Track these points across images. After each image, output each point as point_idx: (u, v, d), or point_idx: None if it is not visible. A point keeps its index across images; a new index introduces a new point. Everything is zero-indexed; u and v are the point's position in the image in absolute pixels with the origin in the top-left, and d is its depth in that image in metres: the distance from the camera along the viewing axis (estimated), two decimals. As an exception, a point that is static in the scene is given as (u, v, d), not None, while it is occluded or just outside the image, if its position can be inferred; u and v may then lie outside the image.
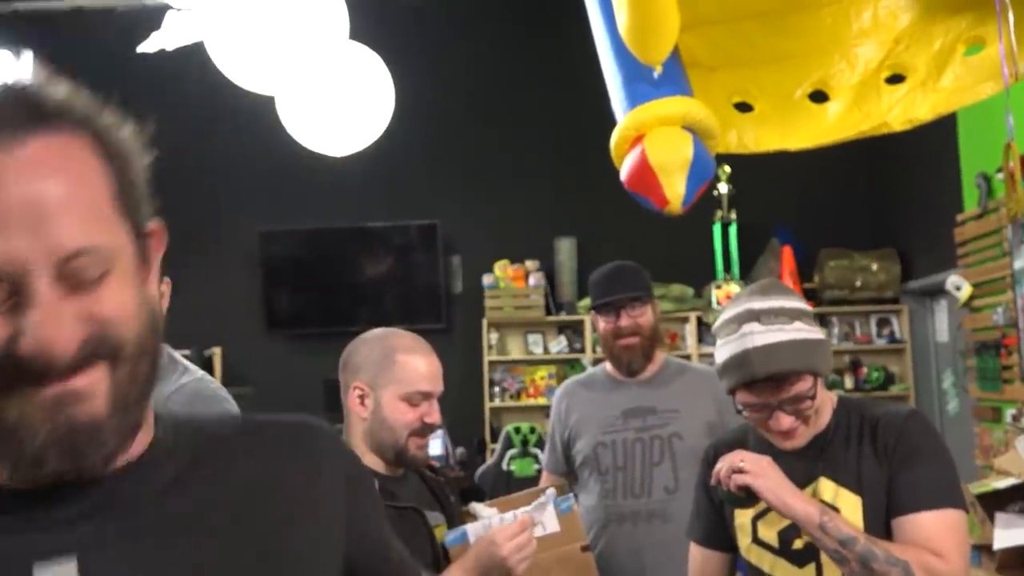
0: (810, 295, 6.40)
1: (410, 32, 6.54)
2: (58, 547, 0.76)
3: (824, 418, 1.82)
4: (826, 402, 1.83)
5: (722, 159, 2.95)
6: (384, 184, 6.80)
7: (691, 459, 2.51)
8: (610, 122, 2.52)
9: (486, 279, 6.76)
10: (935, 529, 1.66)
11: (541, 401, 6.62)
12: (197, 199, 6.84)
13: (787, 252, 6.47)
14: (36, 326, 0.72)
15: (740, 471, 1.72)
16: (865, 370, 6.60)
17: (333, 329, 6.17)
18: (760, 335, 1.71)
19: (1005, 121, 2.43)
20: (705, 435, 2.64)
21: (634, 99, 2.43)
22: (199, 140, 6.87)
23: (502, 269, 6.78)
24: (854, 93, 2.67)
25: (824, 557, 1.74)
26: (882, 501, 1.72)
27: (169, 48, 3.37)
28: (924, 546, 1.64)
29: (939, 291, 5.80)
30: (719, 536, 1.95)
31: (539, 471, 4.25)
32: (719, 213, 6.50)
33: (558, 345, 6.83)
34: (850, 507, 1.73)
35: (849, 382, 6.59)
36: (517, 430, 6.19)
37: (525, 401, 6.78)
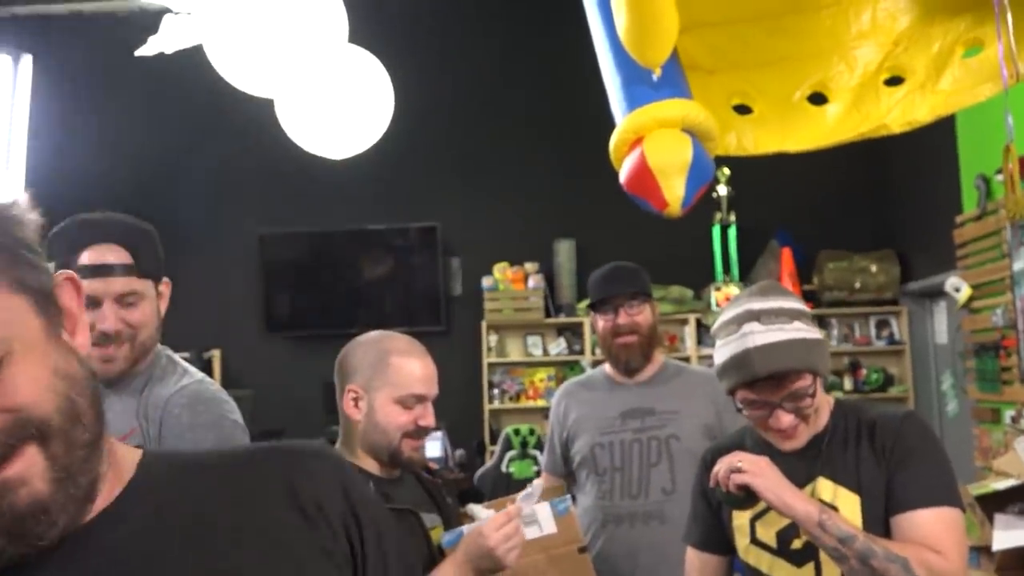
0: (809, 297, 6.41)
1: (409, 35, 6.55)
2: None
3: (822, 420, 1.83)
4: (824, 404, 1.84)
5: (721, 161, 2.95)
6: (383, 186, 6.80)
7: (688, 460, 2.51)
8: (609, 124, 2.52)
9: (485, 281, 6.77)
10: (933, 527, 1.67)
11: (540, 403, 6.62)
12: (197, 202, 6.86)
13: (786, 254, 6.48)
14: None
15: (738, 471, 1.72)
16: (864, 372, 6.60)
17: (333, 331, 6.17)
18: (760, 335, 1.72)
19: (1004, 122, 2.43)
20: (703, 437, 2.65)
21: (633, 102, 2.44)
22: (199, 143, 6.88)
23: (501, 271, 6.78)
24: (853, 95, 2.67)
25: (823, 556, 1.74)
26: (880, 501, 1.73)
27: (168, 51, 3.37)
28: (923, 543, 1.65)
29: (938, 293, 5.81)
30: (716, 540, 1.95)
31: (538, 473, 4.25)
32: (718, 215, 6.51)
33: (557, 347, 6.84)
34: (849, 506, 1.73)
35: (848, 384, 6.59)
36: (516, 432, 6.19)
37: (524, 403, 6.78)
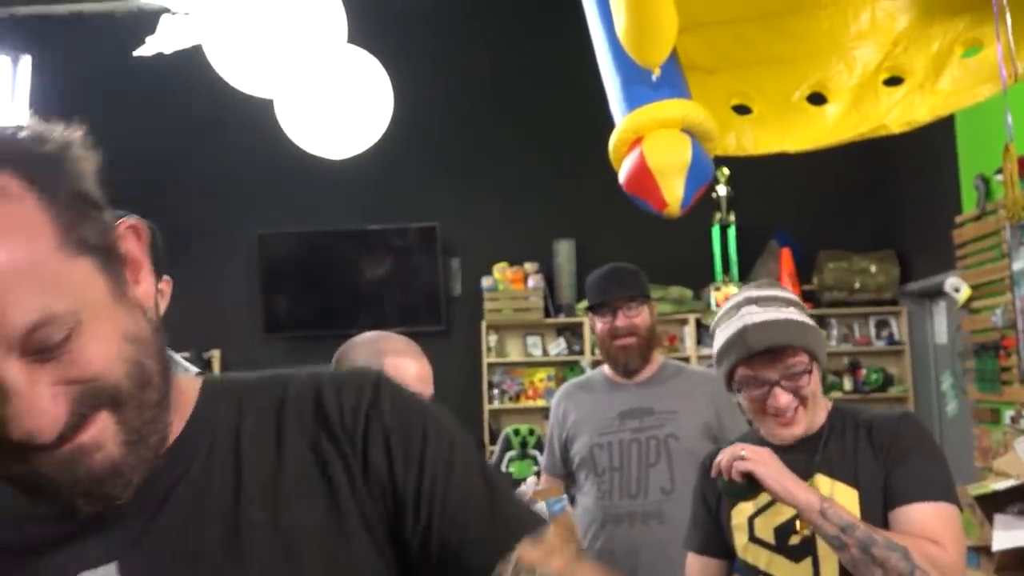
0: (809, 297, 6.41)
1: (409, 35, 6.55)
2: (100, 554, 0.79)
3: (819, 419, 1.85)
4: (821, 405, 1.87)
5: (721, 161, 2.95)
6: (383, 187, 6.80)
7: (687, 460, 2.51)
8: (609, 125, 2.52)
9: (485, 281, 6.76)
10: (932, 520, 1.69)
11: (540, 403, 6.61)
12: (196, 202, 6.85)
13: (786, 254, 6.47)
14: (16, 417, 0.70)
15: (742, 459, 1.74)
16: (864, 372, 6.60)
17: (332, 332, 6.14)
18: (758, 315, 1.80)
19: (1004, 122, 2.43)
20: (702, 436, 2.65)
21: (632, 102, 2.44)
22: (198, 143, 6.88)
23: (501, 271, 6.78)
24: (852, 95, 2.68)
25: (821, 551, 1.75)
26: (878, 497, 1.75)
27: (167, 52, 3.37)
28: (922, 536, 1.66)
29: (938, 293, 5.81)
30: (716, 544, 1.96)
31: (538, 473, 4.25)
32: (718, 215, 6.51)
33: (557, 347, 6.83)
34: (847, 501, 1.75)
35: (848, 384, 6.58)
36: (516, 432, 6.18)
37: (524, 403, 6.78)
